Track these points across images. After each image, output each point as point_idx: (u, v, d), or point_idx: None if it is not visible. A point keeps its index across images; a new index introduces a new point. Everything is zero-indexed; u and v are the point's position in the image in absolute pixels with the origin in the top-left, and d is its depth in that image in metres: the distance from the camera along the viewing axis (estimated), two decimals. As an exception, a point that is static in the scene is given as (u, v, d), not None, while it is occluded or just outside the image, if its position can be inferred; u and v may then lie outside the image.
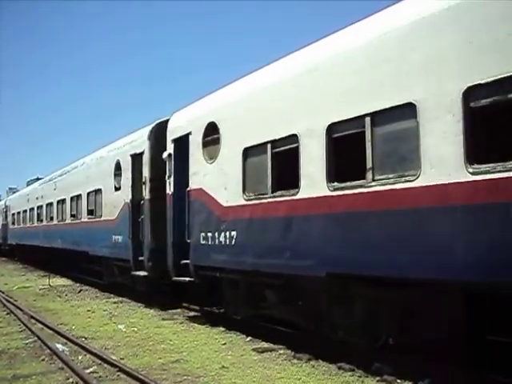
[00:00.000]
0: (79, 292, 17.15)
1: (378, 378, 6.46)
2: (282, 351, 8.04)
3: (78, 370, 7.05)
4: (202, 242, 9.80)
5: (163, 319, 11.36)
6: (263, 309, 8.94)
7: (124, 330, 10.29)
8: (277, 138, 8.00)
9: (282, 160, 8.06)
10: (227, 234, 9.05)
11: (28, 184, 40.83)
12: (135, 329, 10.31)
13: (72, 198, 19.07)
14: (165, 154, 11.33)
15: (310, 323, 7.88)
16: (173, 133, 11.26)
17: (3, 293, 16.63)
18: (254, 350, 8.25)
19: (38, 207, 25.50)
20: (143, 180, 12.53)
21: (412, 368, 6.28)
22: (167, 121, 12.04)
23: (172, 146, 11.24)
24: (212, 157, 9.68)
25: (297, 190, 7.52)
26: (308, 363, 7.35)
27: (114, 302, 14.27)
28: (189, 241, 10.27)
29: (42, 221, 24.50)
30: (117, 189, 14.31)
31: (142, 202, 12.59)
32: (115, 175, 14.49)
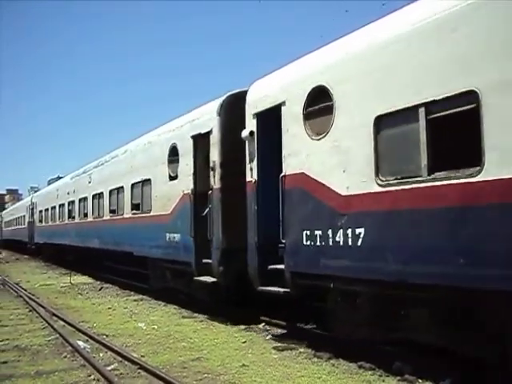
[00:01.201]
0: (100, 290, 17.14)
1: (398, 378, 6.38)
2: (302, 350, 7.97)
3: (100, 367, 7.13)
4: (306, 242, 7.52)
5: (183, 317, 11.36)
6: (400, 331, 6.61)
7: (144, 327, 10.32)
8: (437, 98, 5.67)
9: (446, 128, 5.75)
10: (348, 231, 6.76)
11: (49, 183, 39.16)
12: (155, 327, 10.33)
13: (111, 192, 16.93)
14: (245, 133, 9.06)
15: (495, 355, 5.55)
16: (255, 105, 8.99)
17: (26, 290, 16.68)
18: (274, 348, 8.19)
19: (69, 203, 23.44)
20: (211, 165, 10.27)
21: (433, 368, 6.20)
22: (242, 92, 9.83)
23: (254, 121, 8.98)
24: (320, 131, 7.39)
25: (477, 168, 5.22)
26: (328, 362, 7.29)
27: (135, 300, 14.29)
28: (283, 241, 8.01)
29: (73, 218, 22.46)
30: (172, 178, 12.09)
31: (210, 191, 10.33)
32: (170, 162, 12.27)
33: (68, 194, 23.47)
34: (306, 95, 7.65)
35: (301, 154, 7.75)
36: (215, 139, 10.22)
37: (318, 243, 7.27)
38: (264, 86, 8.95)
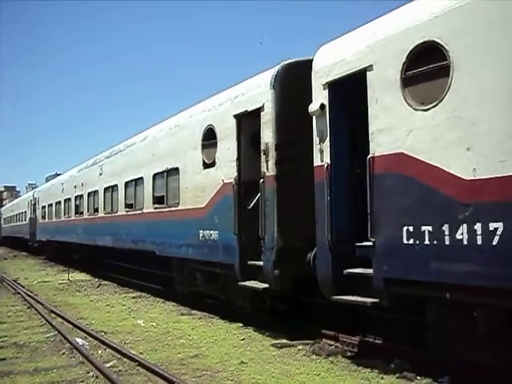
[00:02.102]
0: (98, 287, 17.00)
1: (397, 375, 6.36)
2: (300, 347, 7.94)
3: (98, 364, 7.13)
4: (407, 240, 5.91)
5: (182, 314, 11.34)
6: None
7: (143, 324, 10.28)
8: None
9: None
10: (477, 227, 5.16)
11: (47, 180, 37.49)
12: (154, 324, 10.31)
13: (127, 184, 15.26)
14: (313, 107, 7.42)
15: None
16: (326, 73, 7.34)
17: (24, 287, 16.53)
18: (272, 345, 8.15)
19: (76, 197, 21.74)
20: (262, 149, 8.65)
21: (432, 365, 6.19)
22: (301, 61, 8.31)
23: (325, 93, 7.34)
24: (428, 100, 5.77)
25: None
26: (327, 359, 7.27)
27: (133, 297, 14.19)
28: (372, 239, 6.40)
29: (81, 213, 20.78)
30: (208, 165, 10.45)
31: (262, 180, 8.68)
32: (204, 147, 10.63)
33: (75, 187, 21.77)
34: (406, 55, 6.03)
35: (398, 129, 6.12)
36: (268, 117, 8.58)
37: (427, 242, 5.66)
38: (338, 50, 7.30)
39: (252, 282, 8.99)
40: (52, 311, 11.74)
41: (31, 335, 9.40)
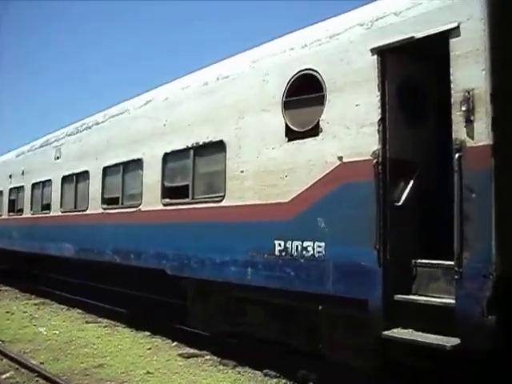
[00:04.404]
0: None
1: None
2: (208, 357, 7.94)
3: None
4: None
5: (87, 322, 11.01)
6: None
7: (45, 333, 9.98)
8: None
9: None
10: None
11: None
12: (57, 332, 10.01)
13: (109, 170, 10.71)
14: None
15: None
16: None
17: None
18: (179, 355, 8.10)
19: (13, 190, 16.48)
20: (459, 100, 4.77)
21: (337, 375, 6.14)
22: None
23: None
24: None
25: None
26: (234, 369, 7.30)
27: (35, 304, 13.61)
28: None
29: (19, 212, 15.65)
30: (298, 135, 6.37)
31: (459, 154, 4.77)
32: (289, 106, 6.56)
33: (10, 177, 16.57)
34: None
35: None
36: (472, 44, 4.74)
37: None
38: None
39: (427, 335, 5.06)
40: None
41: None
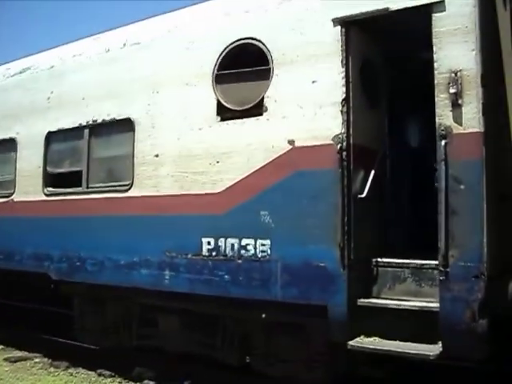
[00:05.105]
0: None
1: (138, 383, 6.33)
2: (38, 360, 7.59)
3: None
4: None
5: None
6: None
7: None
8: None
9: None
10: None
11: None
12: None
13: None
14: None
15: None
16: None
17: None
18: (5, 359, 7.65)
19: None
20: (445, 82, 4.23)
21: (174, 371, 6.22)
22: None
23: None
24: None
25: None
26: (66, 371, 7.08)
27: None
28: None
29: None
30: (234, 115, 5.43)
31: (445, 142, 4.19)
32: (223, 80, 5.55)
33: None
34: None
35: None
36: (460, 21, 4.23)
37: None
38: None
39: (373, 341, 4.49)
40: None
41: None
